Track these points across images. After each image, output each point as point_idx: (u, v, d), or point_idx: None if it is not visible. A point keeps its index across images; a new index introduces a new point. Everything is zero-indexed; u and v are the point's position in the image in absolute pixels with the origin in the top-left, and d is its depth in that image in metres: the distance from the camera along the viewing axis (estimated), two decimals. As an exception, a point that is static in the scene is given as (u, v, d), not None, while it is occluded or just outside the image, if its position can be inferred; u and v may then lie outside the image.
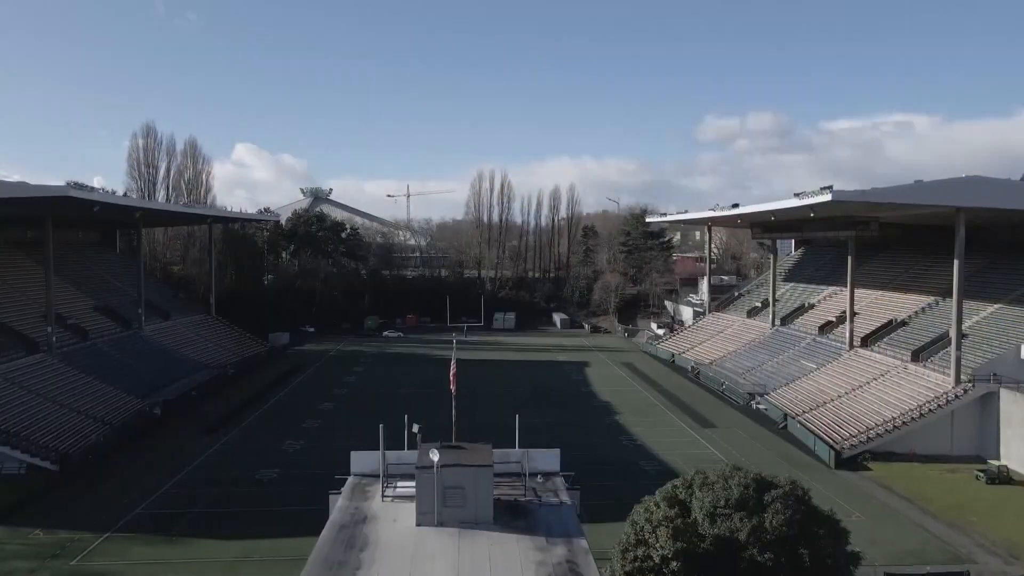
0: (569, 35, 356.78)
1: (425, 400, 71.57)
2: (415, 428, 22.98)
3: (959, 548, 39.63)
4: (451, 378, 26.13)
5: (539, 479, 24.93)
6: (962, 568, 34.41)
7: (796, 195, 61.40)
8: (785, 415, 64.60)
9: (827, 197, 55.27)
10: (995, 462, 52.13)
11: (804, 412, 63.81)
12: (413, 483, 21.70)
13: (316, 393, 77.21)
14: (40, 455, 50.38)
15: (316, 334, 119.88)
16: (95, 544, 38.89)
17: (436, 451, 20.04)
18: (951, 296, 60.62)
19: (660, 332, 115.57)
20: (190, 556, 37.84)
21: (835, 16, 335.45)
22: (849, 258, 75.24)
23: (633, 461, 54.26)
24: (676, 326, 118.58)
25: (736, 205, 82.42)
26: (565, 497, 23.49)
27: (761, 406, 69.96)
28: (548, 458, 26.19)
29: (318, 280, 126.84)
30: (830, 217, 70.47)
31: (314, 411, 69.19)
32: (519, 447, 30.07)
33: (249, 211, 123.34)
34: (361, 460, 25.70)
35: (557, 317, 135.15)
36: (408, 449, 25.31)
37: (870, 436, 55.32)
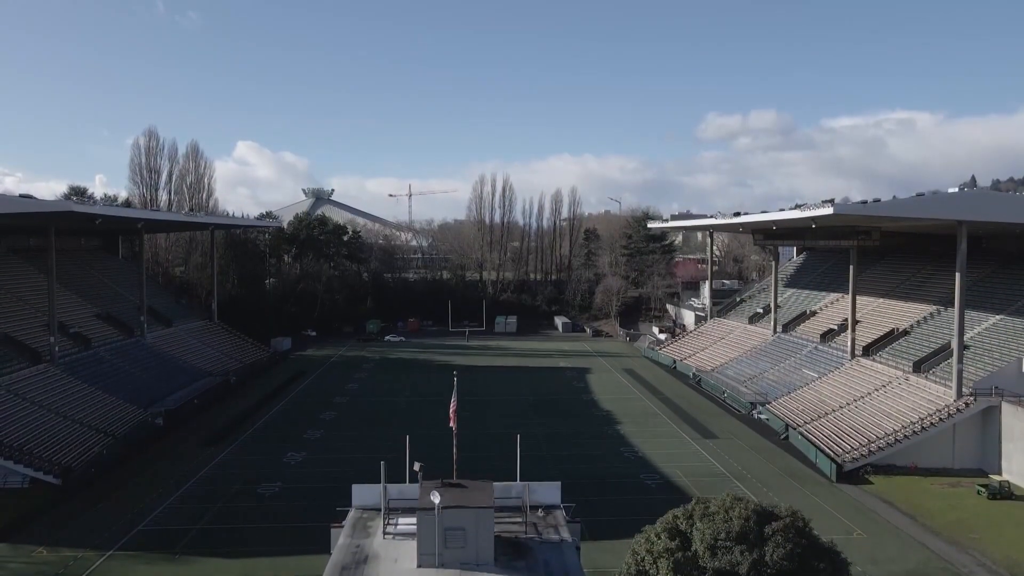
0: (571, 34, 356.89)
1: (426, 410, 71.92)
2: (416, 466, 23.04)
3: (960, 567, 39.60)
4: (451, 415, 26.14)
5: (540, 513, 24.99)
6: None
7: (798, 206, 61.43)
8: (787, 426, 64.60)
9: (828, 210, 55.26)
10: (997, 477, 52.14)
11: (806, 423, 63.81)
12: (414, 519, 21.74)
13: (317, 401, 77.31)
14: (43, 469, 50.44)
15: (318, 338, 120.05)
16: (98, 563, 38.91)
17: (437, 493, 20.11)
18: (953, 305, 60.57)
19: (662, 337, 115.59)
20: (193, 575, 37.91)
21: (837, 14, 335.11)
22: (851, 267, 75.18)
23: (634, 474, 54.28)
24: (678, 330, 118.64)
25: (738, 213, 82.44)
26: (566, 534, 23.53)
27: (762, 416, 69.96)
28: (549, 491, 26.24)
29: (320, 284, 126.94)
30: (832, 226, 70.40)
31: (315, 420, 69.29)
32: (520, 469, 30.09)
33: (251, 210, 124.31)
34: (362, 493, 25.74)
35: (559, 321, 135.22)
36: (409, 481, 25.32)
37: (871, 449, 55.29)
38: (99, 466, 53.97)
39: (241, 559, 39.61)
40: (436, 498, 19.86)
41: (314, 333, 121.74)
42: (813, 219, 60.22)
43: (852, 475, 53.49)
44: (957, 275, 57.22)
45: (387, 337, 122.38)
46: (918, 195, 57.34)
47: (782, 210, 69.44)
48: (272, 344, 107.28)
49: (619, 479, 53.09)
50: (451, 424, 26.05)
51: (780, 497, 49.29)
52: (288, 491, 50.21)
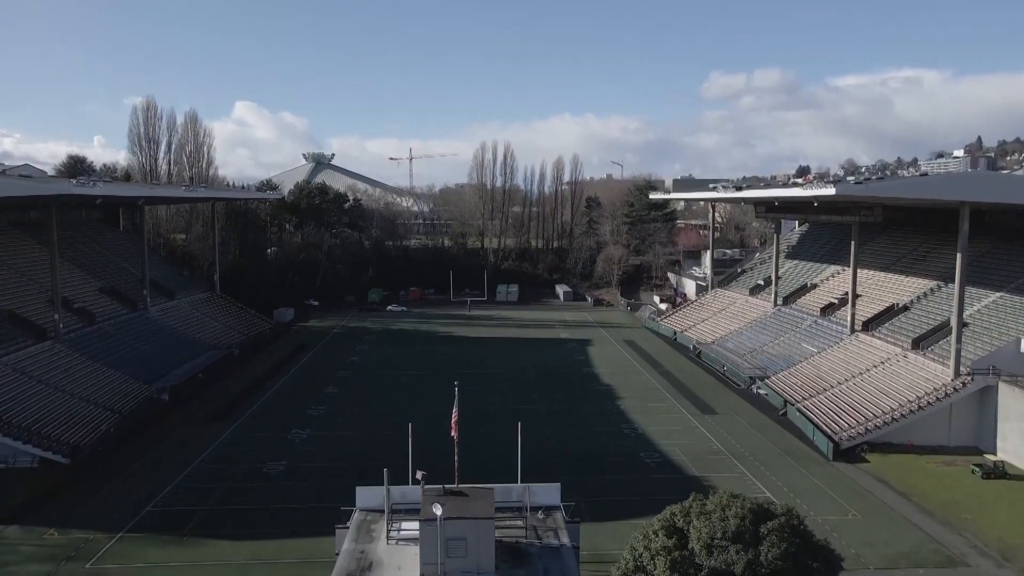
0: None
1: (428, 384, 72.65)
2: (419, 475, 23.50)
3: (952, 549, 40.30)
4: (452, 424, 26.49)
5: (540, 515, 25.52)
6: (953, 578, 35.11)
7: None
8: (785, 402, 65.22)
9: (831, 191, 55.09)
10: (991, 457, 52.79)
11: (804, 399, 64.40)
12: (417, 523, 22.27)
13: (320, 376, 77.86)
14: (52, 449, 51.04)
15: (320, 308, 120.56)
16: (108, 545, 39.66)
17: (439, 505, 20.59)
18: (953, 281, 60.59)
19: (663, 307, 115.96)
20: (201, 558, 38.56)
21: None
22: (852, 243, 75.04)
23: (634, 453, 54.92)
24: (679, 299, 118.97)
25: (740, 187, 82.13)
26: (565, 538, 24.09)
27: (761, 391, 70.59)
28: (549, 492, 26.74)
29: (322, 253, 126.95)
30: (834, 202, 70.19)
31: (319, 396, 69.90)
32: (521, 453, 30.52)
33: (251, 171, 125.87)
34: (366, 496, 26.28)
35: (560, 290, 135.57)
36: (411, 482, 25.79)
37: (868, 428, 55.92)
38: (107, 445, 54.70)
39: (248, 541, 40.34)
40: (438, 510, 20.36)
41: (316, 303, 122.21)
42: (816, 198, 59.98)
43: (849, 453, 54.17)
44: (959, 256, 57.21)
45: (389, 307, 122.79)
46: (922, 174, 57.16)
47: (787, 179, 69.25)
48: (275, 315, 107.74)
49: (619, 457, 53.77)
50: (452, 434, 26.42)
51: (777, 477, 50.21)
52: (293, 470, 50.90)
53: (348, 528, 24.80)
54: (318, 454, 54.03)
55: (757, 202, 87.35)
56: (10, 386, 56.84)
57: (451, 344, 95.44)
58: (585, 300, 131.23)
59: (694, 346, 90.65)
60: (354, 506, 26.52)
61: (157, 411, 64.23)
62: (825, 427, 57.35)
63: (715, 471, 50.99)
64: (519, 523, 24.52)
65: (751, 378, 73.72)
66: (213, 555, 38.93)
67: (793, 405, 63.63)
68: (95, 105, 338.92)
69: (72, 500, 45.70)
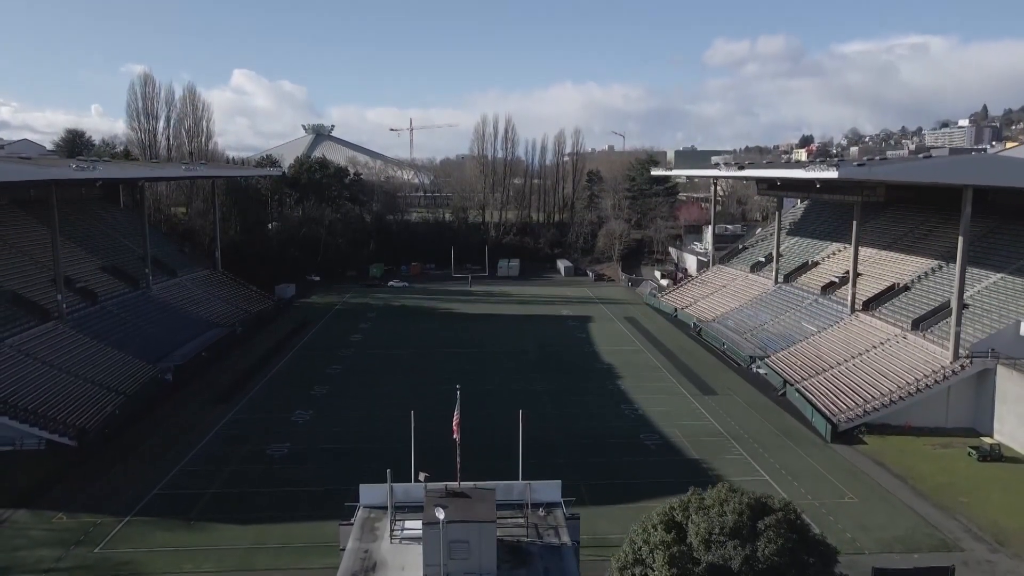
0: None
1: (429, 363, 73.21)
2: (421, 476, 23.88)
3: (947, 533, 40.87)
4: (454, 427, 26.82)
5: (541, 512, 25.95)
6: (947, 565, 35.66)
7: (803, 166, 60.87)
8: (784, 382, 65.66)
9: (833, 174, 54.90)
10: (988, 439, 53.29)
11: (803, 379, 64.83)
12: (420, 522, 22.67)
13: (323, 355, 78.12)
14: (59, 431, 51.53)
15: (322, 283, 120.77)
16: (116, 529, 40.31)
17: (441, 509, 20.97)
18: (955, 261, 60.58)
19: (664, 282, 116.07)
20: (208, 542, 39.21)
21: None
22: (854, 223, 74.87)
23: (634, 434, 55.44)
24: (680, 274, 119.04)
25: (742, 166, 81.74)
26: (565, 536, 24.55)
27: (761, 370, 71.00)
28: (549, 490, 27.16)
29: (323, 228, 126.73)
30: (837, 182, 69.86)
31: (321, 376, 70.27)
32: (523, 441, 30.91)
33: (250, 140, 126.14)
34: (370, 493, 26.71)
35: (561, 264, 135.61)
36: (415, 480, 26.19)
37: (867, 409, 56.37)
38: (112, 426, 55.21)
39: (253, 525, 40.89)
40: (440, 513, 20.74)
41: (318, 278, 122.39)
42: (818, 180, 59.73)
43: (846, 435, 54.64)
44: (960, 239, 57.16)
45: (390, 282, 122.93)
46: (925, 155, 56.70)
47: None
48: (276, 291, 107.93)
49: (619, 439, 54.26)
50: (455, 436, 26.75)
51: (775, 459, 50.77)
52: (297, 453, 51.43)
53: (352, 525, 25.26)
54: (321, 436, 54.56)
55: (759, 180, 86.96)
56: (15, 368, 57.29)
57: (452, 321, 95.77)
58: (586, 275, 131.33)
59: (694, 324, 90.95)
60: (357, 503, 26.97)
61: (161, 392, 64.65)
62: (824, 408, 57.83)
63: (714, 454, 51.56)
64: (520, 521, 24.99)
65: (751, 357, 74.10)
66: (219, 539, 39.57)
67: (792, 385, 64.08)
68: (92, 73, 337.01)
69: (80, 483, 46.25)
